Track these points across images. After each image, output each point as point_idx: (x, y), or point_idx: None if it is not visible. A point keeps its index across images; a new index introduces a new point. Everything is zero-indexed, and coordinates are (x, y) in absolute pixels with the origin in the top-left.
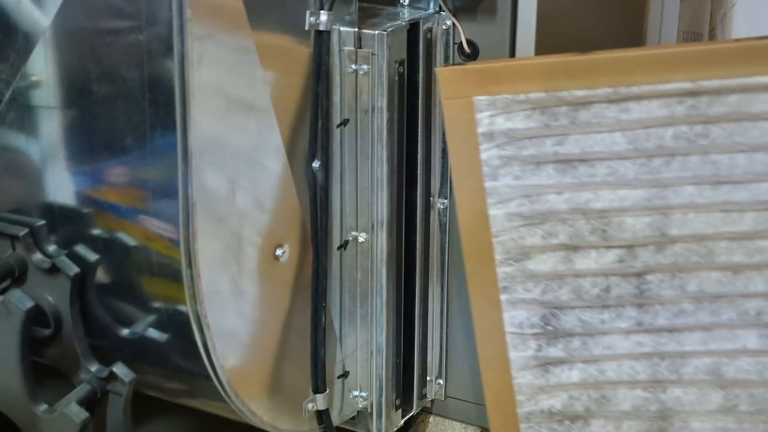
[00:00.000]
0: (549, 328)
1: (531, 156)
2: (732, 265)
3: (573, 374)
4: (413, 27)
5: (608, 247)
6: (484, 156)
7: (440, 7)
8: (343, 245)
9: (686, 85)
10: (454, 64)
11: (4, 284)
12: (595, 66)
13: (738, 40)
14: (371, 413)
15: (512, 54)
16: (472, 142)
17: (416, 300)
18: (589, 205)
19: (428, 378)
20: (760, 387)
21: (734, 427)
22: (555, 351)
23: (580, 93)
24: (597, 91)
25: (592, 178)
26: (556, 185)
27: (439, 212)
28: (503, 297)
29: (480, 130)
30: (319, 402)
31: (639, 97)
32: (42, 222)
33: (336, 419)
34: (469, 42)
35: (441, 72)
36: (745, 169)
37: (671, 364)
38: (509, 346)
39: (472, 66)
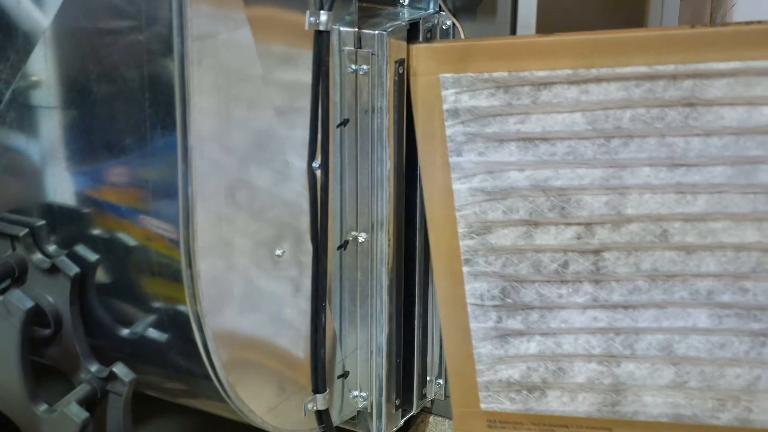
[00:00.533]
0: (509, 300)
1: (494, 133)
2: (685, 246)
3: (531, 346)
4: (413, 27)
5: (567, 224)
6: (449, 132)
7: (440, 7)
8: (343, 245)
9: (643, 69)
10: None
11: (4, 284)
12: (556, 48)
13: (692, 26)
14: (371, 413)
15: None
16: (438, 119)
17: (416, 300)
18: (548, 183)
19: (428, 378)
20: (709, 365)
21: (684, 402)
22: (514, 323)
23: (542, 73)
24: (558, 72)
25: (552, 156)
26: (518, 162)
27: None
28: (465, 269)
29: (445, 106)
30: (319, 402)
31: (598, 80)
32: (42, 222)
33: (336, 419)
34: None
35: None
36: (698, 152)
37: (625, 340)
38: (470, 316)
39: (437, 44)
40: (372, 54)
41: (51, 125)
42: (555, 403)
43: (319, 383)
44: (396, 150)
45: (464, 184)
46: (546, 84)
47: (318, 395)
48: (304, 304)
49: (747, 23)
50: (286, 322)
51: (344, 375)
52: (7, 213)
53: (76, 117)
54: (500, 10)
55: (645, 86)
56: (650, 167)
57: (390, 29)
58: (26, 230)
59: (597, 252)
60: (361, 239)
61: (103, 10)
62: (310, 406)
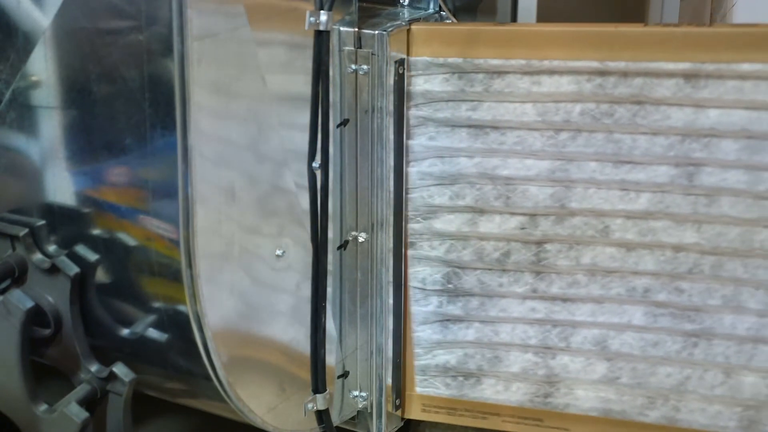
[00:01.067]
0: (450, 286)
1: (446, 119)
2: (625, 243)
3: (469, 333)
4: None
5: (511, 214)
6: None
7: (440, 7)
8: (343, 245)
9: (594, 64)
10: None
11: (4, 284)
12: (511, 37)
13: (645, 25)
14: (371, 413)
15: None
16: None
17: None
18: (496, 171)
19: None
20: (641, 362)
21: (615, 398)
22: (454, 309)
23: (496, 62)
24: (511, 62)
25: (501, 145)
26: (468, 149)
27: None
28: (409, 252)
29: None
30: (319, 402)
31: (551, 72)
32: (42, 222)
33: (336, 419)
34: None
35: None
36: (644, 150)
37: (562, 332)
38: (411, 300)
39: (401, 27)
40: (372, 54)
41: (51, 125)
42: (489, 391)
43: (319, 383)
44: (396, 150)
45: (414, 168)
46: (499, 73)
47: (318, 395)
48: (304, 304)
49: (698, 25)
50: (286, 322)
51: (344, 375)
52: (7, 213)
53: (76, 117)
54: (500, 10)
55: (596, 81)
56: (596, 162)
57: (390, 29)
58: (26, 230)
59: (539, 243)
60: (361, 239)
61: (103, 10)
62: (310, 406)
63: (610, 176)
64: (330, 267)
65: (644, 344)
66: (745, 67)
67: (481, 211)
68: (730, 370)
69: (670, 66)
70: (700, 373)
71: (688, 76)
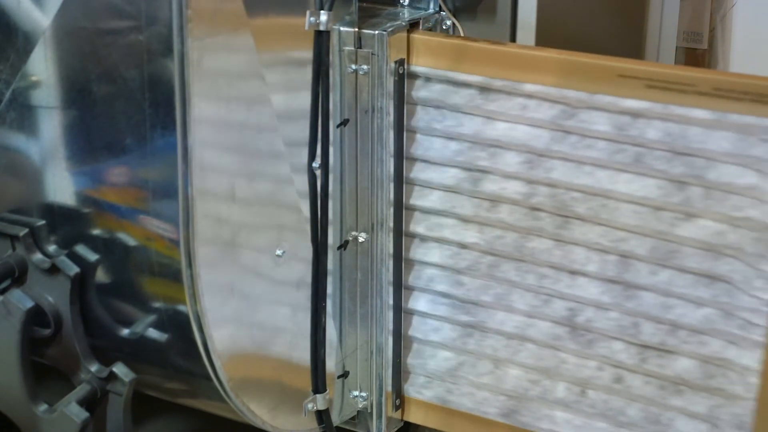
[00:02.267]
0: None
1: None
2: (417, 234)
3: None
4: (413, 27)
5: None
6: None
7: (440, 7)
8: (343, 245)
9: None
10: None
11: (4, 284)
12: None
13: (446, 36)
14: (371, 413)
15: None
16: None
17: None
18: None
19: None
20: (424, 345)
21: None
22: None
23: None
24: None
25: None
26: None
27: None
28: None
29: None
30: (319, 402)
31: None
32: (42, 222)
33: (336, 419)
34: None
35: None
36: (437, 152)
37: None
38: None
39: None
40: (372, 54)
41: (51, 125)
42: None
43: (319, 383)
44: (396, 150)
45: None
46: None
47: (318, 395)
48: (305, 304)
49: (492, 43)
50: (286, 322)
51: (344, 375)
52: (7, 213)
53: (76, 117)
54: (500, 10)
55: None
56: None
57: (390, 29)
58: (26, 230)
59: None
60: (361, 239)
61: (103, 10)
62: (310, 406)
63: (407, 173)
64: (330, 267)
65: (427, 328)
66: (529, 87)
67: None
68: (498, 362)
69: (465, 77)
70: (473, 361)
71: (482, 89)
